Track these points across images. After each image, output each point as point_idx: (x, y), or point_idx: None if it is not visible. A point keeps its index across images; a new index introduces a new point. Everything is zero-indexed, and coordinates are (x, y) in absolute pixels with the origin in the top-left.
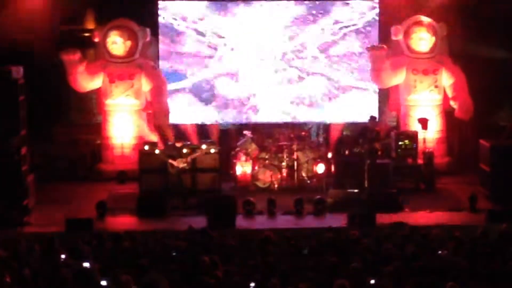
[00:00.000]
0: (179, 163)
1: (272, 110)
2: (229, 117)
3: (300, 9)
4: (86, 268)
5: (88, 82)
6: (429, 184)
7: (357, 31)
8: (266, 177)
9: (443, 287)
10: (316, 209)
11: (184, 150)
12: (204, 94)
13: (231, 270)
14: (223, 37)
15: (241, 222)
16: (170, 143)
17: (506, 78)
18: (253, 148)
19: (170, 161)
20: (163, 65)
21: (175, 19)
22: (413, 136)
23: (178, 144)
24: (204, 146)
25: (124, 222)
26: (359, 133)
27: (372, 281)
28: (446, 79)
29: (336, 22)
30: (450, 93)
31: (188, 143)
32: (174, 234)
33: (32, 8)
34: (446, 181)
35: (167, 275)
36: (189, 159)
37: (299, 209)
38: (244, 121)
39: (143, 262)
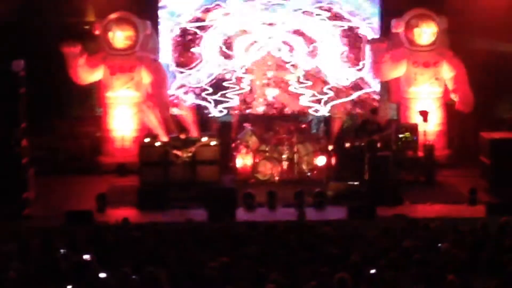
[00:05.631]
0: (184, 154)
1: (271, 103)
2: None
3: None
4: (85, 260)
5: (89, 74)
6: (429, 177)
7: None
8: (266, 169)
9: (444, 280)
10: (317, 202)
11: (189, 142)
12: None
13: (230, 263)
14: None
15: (241, 214)
16: (174, 134)
17: (506, 71)
18: (253, 140)
19: (175, 151)
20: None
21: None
22: (413, 129)
23: (182, 136)
24: (204, 138)
25: (124, 214)
26: (360, 126)
27: (373, 271)
28: (446, 71)
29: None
30: (450, 86)
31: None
32: (173, 226)
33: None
34: (446, 173)
35: (166, 268)
36: (193, 149)
37: (299, 202)
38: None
39: (142, 255)
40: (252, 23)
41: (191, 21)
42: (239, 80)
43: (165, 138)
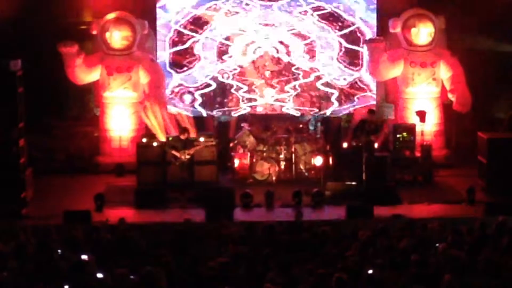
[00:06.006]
0: (183, 155)
1: (269, 103)
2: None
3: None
4: (82, 260)
5: (86, 74)
6: (427, 177)
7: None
8: (264, 169)
9: (441, 280)
10: (314, 202)
11: (188, 142)
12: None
13: (228, 262)
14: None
15: (239, 214)
16: (173, 135)
17: (503, 71)
18: (251, 140)
19: (174, 152)
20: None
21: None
22: (411, 129)
23: (183, 137)
24: (202, 139)
25: (122, 214)
26: (357, 126)
27: (370, 271)
28: (444, 71)
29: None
30: (448, 86)
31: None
32: (171, 226)
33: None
34: (444, 173)
35: (164, 267)
36: (192, 151)
37: (297, 202)
38: (242, 113)
39: (140, 255)
40: (250, 23)
41: (188, 21)
42: (236, 80)
43: (163, 138)
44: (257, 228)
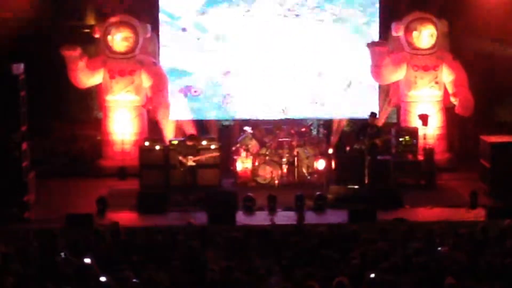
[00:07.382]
0: (189, 161)
1: (273, 106)
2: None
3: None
4: (86, 264)
5: (89, 78)
6: (429, 181)
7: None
8: (266, 173)
9: (443, 283)
10: (317, 205)
11: (195, 149)
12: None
13: (232, 266)
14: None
15: (241, 218)
16: (180, 139)
17: (506, 74)
18: (253, 144)
19: (180, 158)
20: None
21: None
22: (413, 132)
23: (190, 143)
24: (204, 142)
25: (124, 218)
26: (360, 129)
27: (372, 275)
28: (446, 75)
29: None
30: (450, 89)
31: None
32: (174, 230)
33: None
34: (446, 177)
35: (168, 271)
36: (198, 158)
37: (300, 205)
38: (244, 117)
39: (143, 258)
40: (252, 25)
41: (190, 24)
42: (238, 82)
43: (175, 142)
44: (259, 231)
